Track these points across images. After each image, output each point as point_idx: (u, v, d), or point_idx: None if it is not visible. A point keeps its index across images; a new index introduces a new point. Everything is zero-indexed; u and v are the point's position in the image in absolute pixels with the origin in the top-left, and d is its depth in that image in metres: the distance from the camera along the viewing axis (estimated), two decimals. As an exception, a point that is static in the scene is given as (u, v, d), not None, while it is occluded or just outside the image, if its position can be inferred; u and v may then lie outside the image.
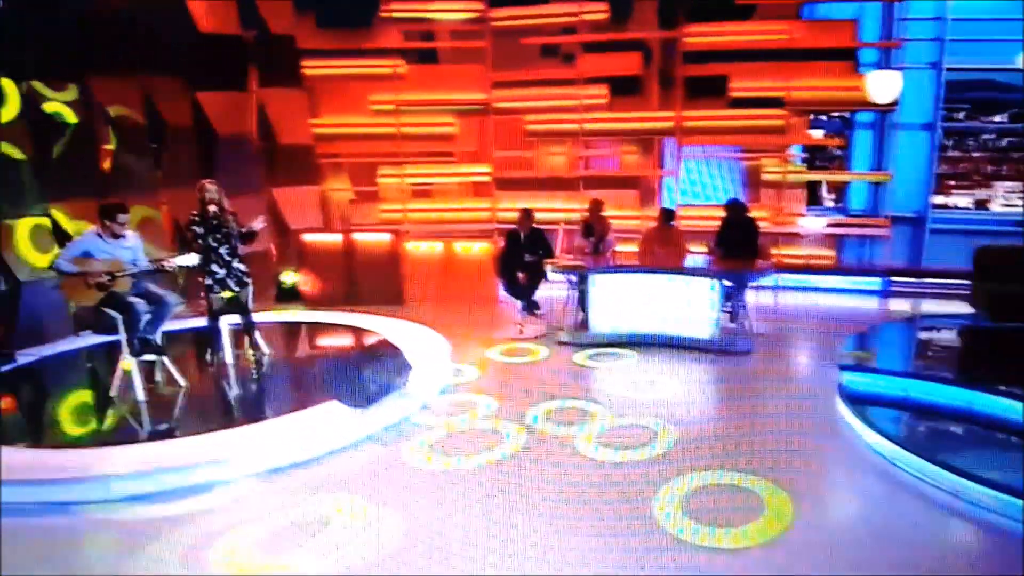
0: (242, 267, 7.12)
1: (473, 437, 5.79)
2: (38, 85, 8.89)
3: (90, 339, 8.45)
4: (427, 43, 11.92)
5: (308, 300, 10.58)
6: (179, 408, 6.48)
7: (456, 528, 4.43)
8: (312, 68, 11.58)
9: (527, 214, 8.92)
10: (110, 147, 9.70)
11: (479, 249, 10.41)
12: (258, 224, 7.11)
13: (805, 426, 5.77)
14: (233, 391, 6.97)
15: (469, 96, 11.58)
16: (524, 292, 8.84)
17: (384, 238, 10.64)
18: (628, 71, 11.29)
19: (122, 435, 5.97)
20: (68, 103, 9.14)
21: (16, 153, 8.50)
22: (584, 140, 11.55)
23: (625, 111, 11.40)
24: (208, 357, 7.31)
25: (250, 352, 7.38)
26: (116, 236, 6.39)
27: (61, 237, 8.61)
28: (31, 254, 8.45)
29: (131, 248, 6.49)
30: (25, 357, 7.83)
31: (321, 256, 10.71)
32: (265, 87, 11.47)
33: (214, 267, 6.97)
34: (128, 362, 6.44)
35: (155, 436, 5.94)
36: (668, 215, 9.03)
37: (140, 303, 6.32)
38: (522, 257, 8.73)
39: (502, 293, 10.34)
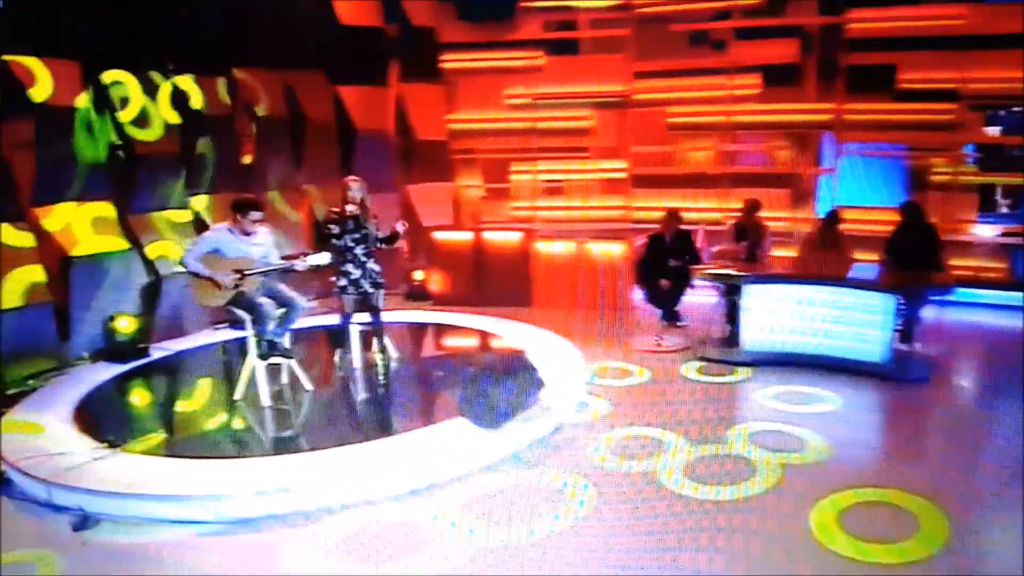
0: (377, 268, 6.61)
1: (620, 465, 5.03)
2: (190, 80, 8.73)
3: (226, 334, 8.22)
4: (567, 33, 11.11)
5: (436, 299, 10.07)
6: (304, 415, 6.05)
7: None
8: (451, 62, 11.04)
9: (673, 215, 8.02)
10: (251, 142, 9.47)
11: (613, 250, 9.57)
12: (400, 226, 6.63)
13: None
14: (359, 398, 6.50)
15: (608, 88, 10.73)
16: (666, 301, 7.96)
17: (514, 237, 9.99)
18: (784, 59, 10.13)
19: (243, 444, 5.57)
20: (217, 100, 8.95)
21: (163, 145, 8.34)
22: (732, 134, 10.46)
23: (779, 103, 10.22)
24: (336, 359, 6.86)
25: (378, 356, 6.87)
26: (247, 233, 5.99)
27: (202, 232, 8.43)
28: (172, 248, 8.27)
29: (262, 245, 6.09)
30: (159, 351, 7.65)
31: (451, 254, 10.18)
32: (405, 81, 11.02)
33: (349, 267, 6.49)
34: (255, 364, 6.04)
35: (279, 446, 5.50)
36: (833, 217, 7.91)
37: (268, 304, 5.91)
38: (665, 262, 7.84)
39: (639, 300, 9.49)
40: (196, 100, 8.76)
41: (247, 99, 9.39)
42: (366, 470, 4.82)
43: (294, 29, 9.49)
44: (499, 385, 5.38)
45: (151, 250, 8.16)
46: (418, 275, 10.23)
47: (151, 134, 8.25)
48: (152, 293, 8.15)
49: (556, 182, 11.38)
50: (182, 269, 6.12)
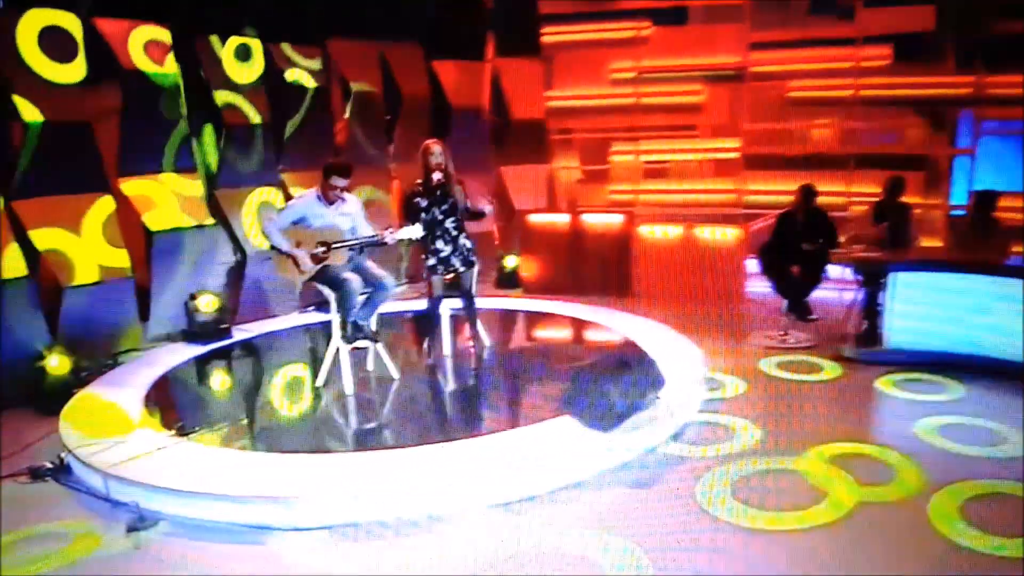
0: (469, 244, 5.76)
1: (758, 481, 4.03)
2: (287, 48, 8.09)
3: (313, 317, 7.55)
4: (677, 1, 9.99)
5: (528, 286, 9.17)
6: (390, 407, 5.27)
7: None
8: (551, 35, 10.09)
9: (807, 191, 6.85)
10: (345, 117, 8.77)
11: (726, 235, 8.47)
12: (487, 207, 5.84)
13: None
14: (450, 390, 5.68)
15: (721, 60, 9.57)
16: (797, 290, 6.79)
17: (614, 220, 8.98)
18: (919, 28, 8.76)
19: (322, 437, 4.81)
20: (312, 71, 8.28)
21: (254, 116, 7.71)
22: (858, 110, 9.15)
23: (911, 76, 8.87)
24: (425, 346, 6.05)
25: (470, 343, 6.03)
26: (333, 201, 5.23)
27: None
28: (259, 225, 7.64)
29: (350, 216, 5.33)
30: (241, 333, 7.02)
31: (545, 239, 9.25)
32: (501, 56, 10.15)
33: (439, 243, 5.67)
34: (338, 348, 5.28)
35: (362, 441, 4.71)
36: (987, 201, 6.61)
37: (355, 280, 5.15)
38: (797, 246, 6.69)
39: (750, 291, 8.37)
40: (290, 71, 8.11)
41: (342, 71, 8.70)
42: (457, 475, 3.97)
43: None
44: (613, 380, 4.45)
45: (237, 227, 7.55)
46: (509, 261, 9.35)
47: (242, 105, 7.63)
48: (237, 272, 7.54)
49: (660, 163, 10.31)
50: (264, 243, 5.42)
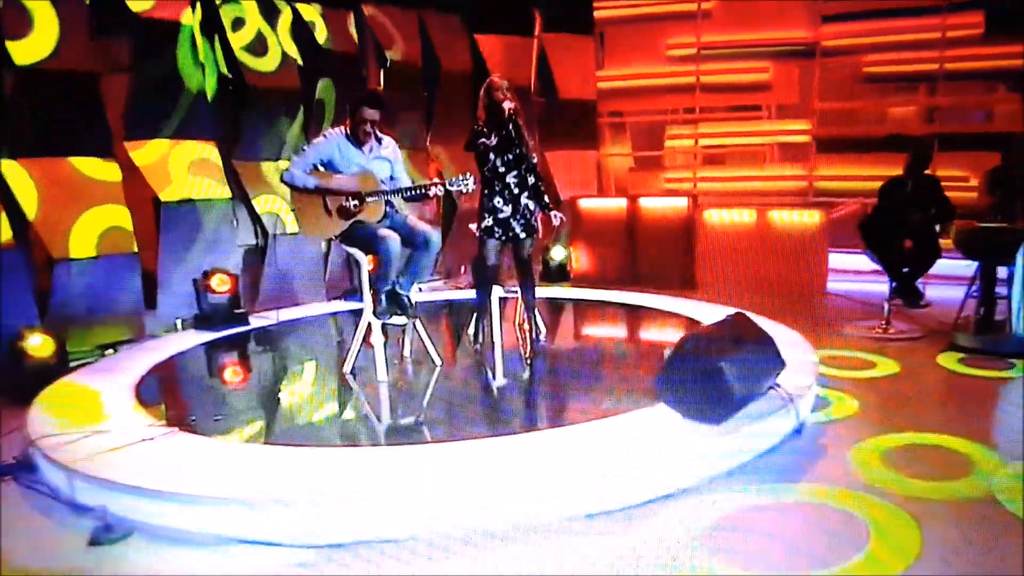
0: (532, 206, 4.69)
1: (924, 487, 2.91)
2: (309, 9, 7.12)
3: (343, 305, 6.52)
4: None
5: (578, 279, 8.07)
6: (433, 397, 4.17)
7: None
8: (604, 9, 9.05)
9: (921, 152, 5.70)
10: (379, 87, 7.77)
11: (804, 220, 7.33)
12: (556, 219, 4.93)
13: None
14: (504, 379, 4.57)
15: (790, 34, 8.47)
16: (910, 268, 5.60)
17: (676, 204, 7.88)
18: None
19: (348, 432, 3.74)
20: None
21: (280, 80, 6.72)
22: (942, 85, 7.98)
23: (1006, 47, 7.68)
24: (471, 329, 4.96)
25: (527, 326, 4.94)
26: (364, 142, 4.19)
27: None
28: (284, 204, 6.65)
29: (387, 161, 4.28)
30: (260, 320, 5.98)
31: (598, 227, 8.18)
32: (550, 32, 9.13)
33: (496, 201, 4.62)
34: (370, 323, 4.21)
35: (397, 436, 3.62)
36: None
37: (394, 239, 4.08)
38: (906, 217, 5.52)
39: (832, 287, 7.21)
40: (321, 34, 7.14)
41: (377, 39, 7.71)
42: (521, 478, 2.86)
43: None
44: (726, 358, 3.32)
45: (259, 203, 6.55)
46: (557, 252, 8.24)
47: (266, 66, 6.66)
48: (258, 254, 6.54)
49: (721, 147, 9.19)
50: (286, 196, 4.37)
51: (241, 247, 6.43)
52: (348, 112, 4.22)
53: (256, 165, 6.63)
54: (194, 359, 5.09)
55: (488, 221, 4.66)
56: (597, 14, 9.06)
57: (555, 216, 4.88)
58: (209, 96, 6.32)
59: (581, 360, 4.98)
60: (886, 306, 5.74)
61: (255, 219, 6.55)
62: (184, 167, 6.04)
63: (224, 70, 6.45)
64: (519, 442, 3.23)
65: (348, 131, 4.21)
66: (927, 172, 5.67)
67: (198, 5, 6.18)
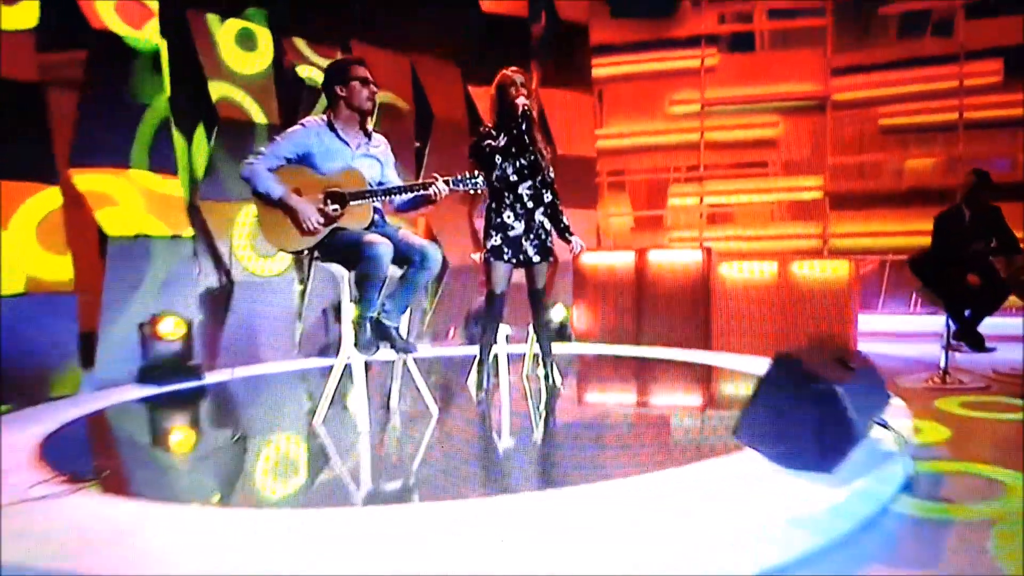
0: (548, 225, 3.83)
1: None
2: (300, 43, 6.45)
3: (317, 362, 5.54)
4: (744, 26, 8.56)
5: (582, 339, 7.15)
6: (426, 451, 3.13)
7: None
8: (603, 66, 8.52)
9: (981, 179, 4.94)
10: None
11: (829, 272, 6.55)
12: (577, 247, 4.07)
13: None
14: (517, 433, 3.54)
15: (800, 88, 7.96)
16: (974, 306, 4.72)
17: (688, 258, 7.07)
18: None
19: (320, 494, 2.71)
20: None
21: (258, 115, 5.94)
22: (963, 134, 7.43)
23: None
24: (472, 374, 3.99)
25: (540, 373, 3.99)
26: (342, 136, 3.32)
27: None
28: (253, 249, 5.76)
29: (376, 159, 3.41)
30: (218, 375, 4.95)
31: (601, 284, 7.30)
32: (547, 86, 8.56)
33: (507, 215, 3.76)
34: (349, 360, 3.23)
35: (386, 498, 2.60)
36: None
37: (384, 245, 3.14)
38: (966, 251, 4.70)
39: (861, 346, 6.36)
40: (302, 67, 6.43)
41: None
42: (554, 544, 1.87)
43: (428, 8, 7.27)
44: (830, 391, 2.39)
45: (225, 246, 5.64)
46: (556, 312, 7.32)
47: (241, 99, 5.89)
48: (220, 301, 5.57)
49: (728, 206, 8.53)
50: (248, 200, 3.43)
51: (201, 293, 5.47)
52: (328, 90, 3.34)
53: (224, 204, 5.76)
54: (127, 413, 4.03)
55: (496, 240, 3.77)
56: (596, 72, 8.53)
57: (575, 243, 4.04)
58: (174, 124, 5.51)
59: (612, 415, 3.99)
60: (943, 354, 4.86)
61: (219, 263, 5.63)
62: (139, 199, 5.15)
63: (196, 99, 5.68)
64: (560, 497, 2.24)
65: (329, 119, 3.36)
66: (986, 198, 4.91)
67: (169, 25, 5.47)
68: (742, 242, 8.19)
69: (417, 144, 7.54)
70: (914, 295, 7.61)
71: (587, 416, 3.86)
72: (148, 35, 5.26)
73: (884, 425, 2.66)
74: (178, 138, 5.54)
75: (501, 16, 8.01)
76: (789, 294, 6.68)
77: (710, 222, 8.47)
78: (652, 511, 2.15)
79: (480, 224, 4.03)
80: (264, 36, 6.12)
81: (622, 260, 7.28)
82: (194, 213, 5.54)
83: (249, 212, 5.75)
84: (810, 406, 2.36)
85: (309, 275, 6.01)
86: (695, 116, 8.25)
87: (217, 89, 5.74)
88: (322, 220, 3.17)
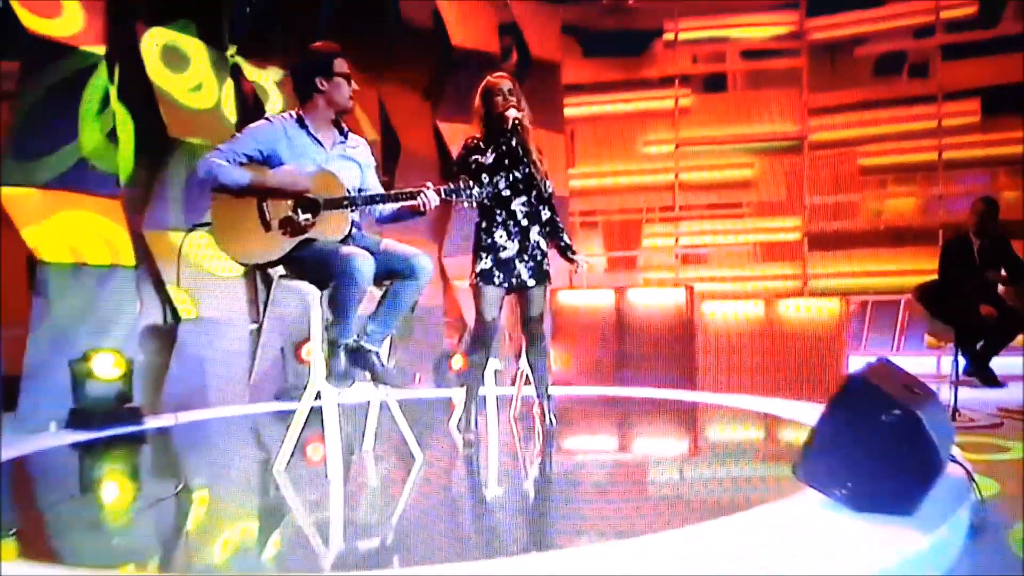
0: (544, 245, 3.44)
1: None
2: (257, 72, 6.03)
3: (273, 406, 4.99)
4: (717, 66, 8.48)
5: (558, 384, 6.71)
6: (411, 503, 2.64)
7: None
8: (575, 105, 8.31)
9: (989, 207, 4.70)
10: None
11: (818, 311, 6.29)
12: (584, 264, 3.75)
13: None
14: (498, 489, 3.05)
15: (776, 128, 7.85)
16: (989, 339, 4.43)
17: (670, 297, 6.77)
18: (1009, 79, 7.20)
19: (285, 559, 2.21)
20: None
21: (212, 135, 5.46)
22: (941, 174, 7.38)
23: (1004, 133, 7.19)
24: (457, 416, 3.53)
25: (536, 412, 3.54)
26: (315, 134, 2.89)
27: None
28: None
29: (355, 161, 2.99)
30: (159, 420, 4.36)
31: (580, 324, 6.94)
32: (518, 126, 8.28)
33: (498, 235, 3.36)
34: (319, 392, 2.74)
35: (357, 565, 2.10)
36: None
37: (364, 259, 2.68)
38: (976, 281, 4.44)
39: (850, 375, 6.06)
40: (267, 95, 6.01)
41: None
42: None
43: (399, 40, 7.01)
44: (917, 408, 2.02)
45: (173, 278, 5.08)
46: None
47: (199, 125, 5.40)
48: (165, 338, 5.00)
49: (698, 247, 8.31)
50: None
51: (143, 329, 4.89)
52: (305, 83, 2.89)
53: (172, 235, 5.22)
54: (45, 463, 3.44)
55: (486, 262, 3.36)
56: (567, 112, 8.29)
57: (581, 260, 3.66)
58: (121, 145, 5.01)
59: (623, 464, 3.53)
60: (951, 390, 4.56)
61: (164, 297, 5.07)
62: (76, 223, 4.61)
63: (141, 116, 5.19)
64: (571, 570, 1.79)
65: (299, 114, 2.92)
66: (996, 226, 4.70)
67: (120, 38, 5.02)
68: (718, 283, 7.93)
69: (385, 177, 7.15)
70: (897, 334, 7.45)
71: (595, 464, 3.41)
72: (90, 44, 4.79)
73: (956, 461, 2.30)
74: (122, 158, 5.05)
75: (471, 52, 7.76)
76: (777, 334, 6.42)
77: (684, 262, 8.23)
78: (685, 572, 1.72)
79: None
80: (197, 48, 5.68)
81: (602, 299, 6.94)
82: (138, 241, 5.02)
83: (197, 242, 5.24)
84: (889, 435, 1.98)
85: (265, 310, 5.49)
86: (669, 156, 8.07)
87: (168, 108, 5.27)
88: (298, 204, 2.71)
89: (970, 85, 7.28)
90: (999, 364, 4.63)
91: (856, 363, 6.43)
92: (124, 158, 5.06)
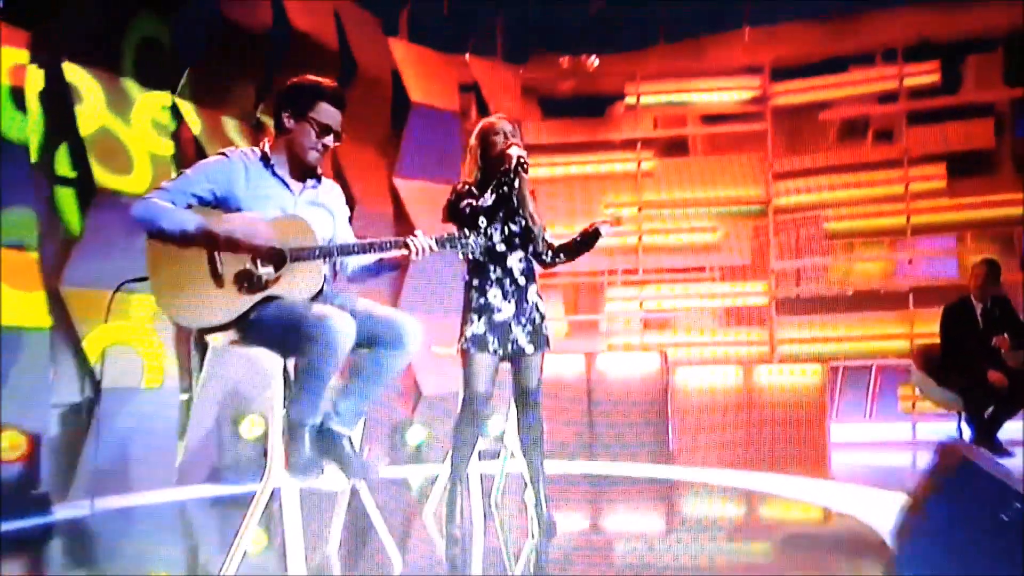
0: (542, 305, 3.03)
1: None
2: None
3: (208, 490, 4.34)
4: (679, 131, 8.37)
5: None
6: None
7: None
8: (535, 167, 8.01)
9: (990, 269, 4.51)
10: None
11: (800, 379, 6.02)
12: (606, 226, 3.28)
13: None
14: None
15: (740, 192, 7.74)
16: (999, 406, 4.16)
17: (645, 363, 6.44)
18: (974, 144, 7.29)
19: None
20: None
21: (143, 184, 4.91)
22: (912, 239, 7.34)
23: (970, 196, 7.23)
24: (432, 502, 3.02)
25: (529, 505, 3.06)
26: (279, 174, 2.43)
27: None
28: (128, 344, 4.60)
29: (326, 209, 2.52)
30: (71, 509, 3.68)
31: (545, 391, 6.46)
32: (474, 184, 7.96)
33: (492, 294, 2.94)
34: (278, 487, 2.21)
35: None
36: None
37: (342, 321, 2.18)
38: (984, 342, 4.21)
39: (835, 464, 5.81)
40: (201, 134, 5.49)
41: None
42: None
43: (353, 91, 6.66)
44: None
45: (91, 342, 4.44)
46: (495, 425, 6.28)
47: (116, 166, 4.82)
48: (81, 413, 4.32)
49: (661, 311, 8.04)
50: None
51: (56, 402, 4.22)
52: (279, 111, 2.43)
53: (94, 294, 4.58)
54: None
55: (479, 326, 2.90)
56: (528, 173, 8.02)
57: (603, 228, 3.22)
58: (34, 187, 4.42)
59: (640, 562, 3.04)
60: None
61: (82, 365, 4.41)
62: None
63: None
64: None
65: (264, 150, 2.47)
66: (998, 289, 4.53)
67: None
68: (683, 348, 7.65)
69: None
70: (870, 400, 7.29)
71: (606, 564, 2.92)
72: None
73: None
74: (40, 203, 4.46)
75: (431, 109, 7.47)
76: (755, 403, 6.11)
77: (647, 327, 7.93)
78: None
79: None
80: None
81: (568, 366, 6.52)
82: (54, 300, 4.38)
83: (126, 303, 4.62)
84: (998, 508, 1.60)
85: (198, 378, 4.85)
86: (632, 219, 7.85)
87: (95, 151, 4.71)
88: (268, 268, 2.22)
89: (936, 150, 7.33)
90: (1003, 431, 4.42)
91: (834, 432, 6.19)
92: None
